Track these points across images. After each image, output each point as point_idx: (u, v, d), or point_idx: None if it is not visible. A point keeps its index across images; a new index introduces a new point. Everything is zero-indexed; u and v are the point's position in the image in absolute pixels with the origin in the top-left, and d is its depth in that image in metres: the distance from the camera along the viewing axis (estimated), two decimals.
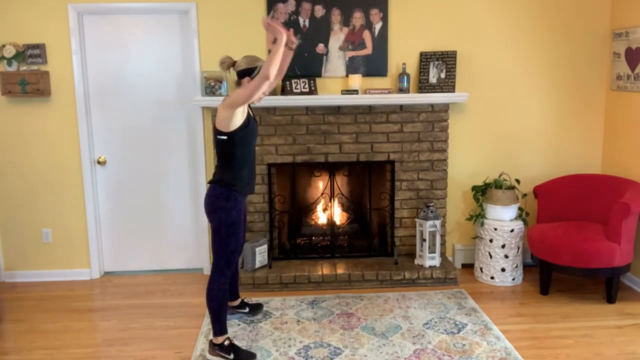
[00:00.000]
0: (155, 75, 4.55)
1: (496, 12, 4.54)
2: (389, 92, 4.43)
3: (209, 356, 3.33)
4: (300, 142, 4.52)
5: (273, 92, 4.39)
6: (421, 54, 4.47)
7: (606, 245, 3.91)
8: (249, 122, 3.26)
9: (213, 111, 4.43)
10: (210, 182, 3.32)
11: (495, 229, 4.36)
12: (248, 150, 3.32)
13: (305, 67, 4.51)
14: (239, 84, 3.27)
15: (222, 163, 3.28)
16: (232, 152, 3.23)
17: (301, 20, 4.45)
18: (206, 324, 3.80)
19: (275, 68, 3.05)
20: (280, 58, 3.10)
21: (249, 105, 3.37)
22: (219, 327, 3.31)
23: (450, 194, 4.74)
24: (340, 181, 4.81)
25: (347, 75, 4.52)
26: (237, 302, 3.90)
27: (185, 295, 4.34)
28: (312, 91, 4.42)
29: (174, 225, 4.76)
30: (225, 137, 3.20)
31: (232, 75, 4.48)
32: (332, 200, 4.73)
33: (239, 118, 3.18)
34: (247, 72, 3.23)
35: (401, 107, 4.52)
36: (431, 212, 4.47)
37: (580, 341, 3.51)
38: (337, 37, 4.49)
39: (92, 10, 4.38)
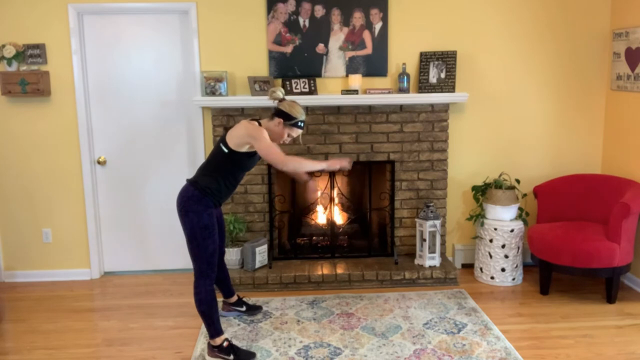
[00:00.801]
0: (155, 75, 4.55)
1: (496, 12, 4.54)
2: (389, 92, 4.43)
3: (208, 358, 3.33)
4: (300, 142, 4.52)
5: None
6: (421, 54, 4.47)
7: (606, 245, 3.91)
8: (255, 152, 3.30)
9: (213, 111, 4.44)
10: (187, 180, 3.33)
11: (495, 229, 4.36)
12: (238, 174, 3.35)
13: (305, 67, 4.51)
14: (271, 117, 3.33)
15: (208, 167, 3.32)
16: (224, 165, 3.26)
17: (301, 20, 4.45)
18: None
19: (294, 169, 3.18)
20: (308, 170, 3.22)
21: None
22: (214, 328, 3.31)
23: (450, 194, 4.74)
24: (340, 181, 4.81)
25: (347, 75, 4.52)
26: (233, 299, 3.91)
27: (185, 295, 4.34)
28: (312, 91, 4.42)
29: (173, 225, 4.75)
30: (226, 151, 3.24)
31: (233, 76, 4.49)
32: (332, 200, 4.73)
33: (248, 146, 3.22)
34: (284, 116, 3.28)
35: (401, 107, 4.52)
36: (431, 212, 4.47)
37: (580, 341, 3.51)
38: (337, 37, 4.49)
39: (92, 10, 4.39)
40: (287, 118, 3.29)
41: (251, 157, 3.31)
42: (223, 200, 3.39)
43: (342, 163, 3.28)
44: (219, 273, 3.72)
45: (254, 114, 4.40)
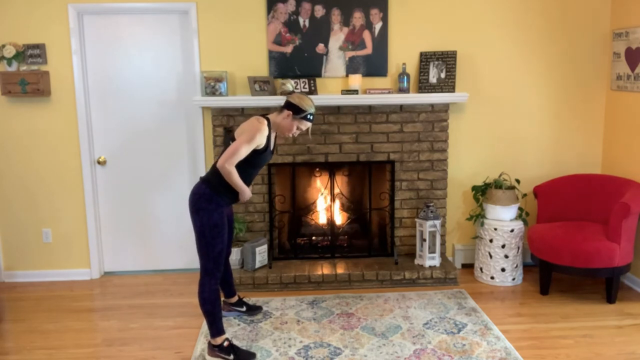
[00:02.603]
0: (155, 75, 4.55)
1: (496, 12, 4.54)
2: (389, 92, 4.43)
3: (208, 357, 3.33)
4: (300, 142, 4.52)
5: (273, 93, 4.39)
6: (421, 54, 4.47)
7: (606, 245, 3.91)
8: (266, 149, 3.28)
9: (213, 111, 4.44)
10: (200, 178, 3.33)
11: (495, 229, 4.36)
12: (250, 171, 3.33)
13: (305, 67, 4.51)
14: (280, 110, 3.32)
15: None
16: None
17: (301, 20, 4.45)
18: (206, 323, 3.79)
19: (226, 175, 3.16)
20: (234, 183, 3.21)
21: (275, 136, 3.44)
22: (216, 328, 3.31)
23: (450, 194, 4.74)
24: (340, 181, 4.81)
25: (347, 75, 4.52)
26: (234, 300, 3.91)
27: (185, 295, 4.34)
28: (312, 91, 4.41)
29: (174, 225, 4.76)
30: None
31: (233, 76, 4.49)
32: (332, 200, 4.73)
33: (257, 141, 3.19)
34: (293, 109, 3.26)
35: (401, 107, 4.52)
36: (431, 212, 4.46)
37: (580, 341, 3.51)
38: (337, 37, 4.49)
39: (92, 10, 4.39)
40: (297, 111, 3.27)
41: (262, 154, 3.28)
42: (236, 199, 3.36)
43: (247, 198, 3.31)
44: (223, 273, 3.72)
45: (254, 114, 4.39)
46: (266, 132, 3.22)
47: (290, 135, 3.36)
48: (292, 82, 3.37)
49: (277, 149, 4.51)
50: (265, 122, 3.25)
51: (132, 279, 4.70)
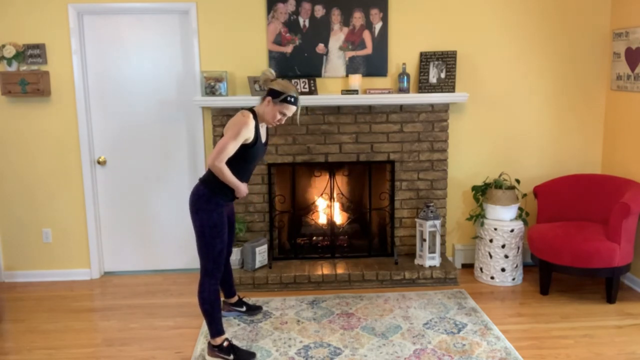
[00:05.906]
0: (155, 75, 4.55)
1: (496, 12, 4.54)
2: (389, 92, 4.43)
3: (208, 358, 3.33)
4: (300, 142, 4.52)
5: None
6: (421, 54, 4.47)
7: (606, 245, 3.91)
8: (255, 143, 3.25)
9: (213, 111, 4.44)
10: (199, 179, 3.32)
11: (495, 229, 4.36)
12: (245, 166, 3.30)
13: (305, 67, 4.51)
14: (263, 98, 3.28)
15: None
16: (229, 160, 3.19)
17: (301, 20, 4.45)
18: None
19: (217, 172, 3.16)
20: (227, 180, 3.20)
21: (266, 129, 3.43)
22: (215, 328, 3.31)
23: (450, 194, 4.74)
24: (340, 181, 4.81)
25: (347, 75, 4.52)
26: (234, 300, 3.91)
27: (185, 295, 4.34)
28: (312, 91, 4.42)
29: (174, 225, 4.76)
30: None
31: (233, 76, 4.49)
32: (332, 200, 4.73)
33: (243, 136, 3.16)
34: (274, 94, 3.22)
35: (401, 107, 4.52)
36: (431, 212, 4.47)
37: (580, 341, 3.51)
38: (337, 37, 4.49)
39: (92, 10, 4.39)
40: (276, 95, 3.21)
41: (252, 148, 3.24)
42: (235, 196, 3.34)
43: (242, 194, 3.31)
44: (223, 273, 3.72)
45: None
46: (252, 125, 3.19)
47: (276, 122, 3.28)
48: (272, 70, 3.33)
49: (277, 144, 4.51)
50: (251, 115, 3.21)
51: (132, 279, 4.70)
